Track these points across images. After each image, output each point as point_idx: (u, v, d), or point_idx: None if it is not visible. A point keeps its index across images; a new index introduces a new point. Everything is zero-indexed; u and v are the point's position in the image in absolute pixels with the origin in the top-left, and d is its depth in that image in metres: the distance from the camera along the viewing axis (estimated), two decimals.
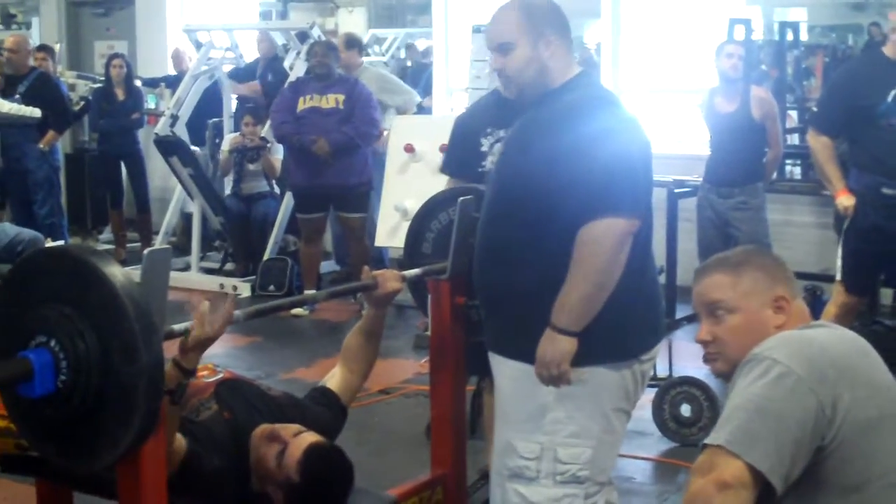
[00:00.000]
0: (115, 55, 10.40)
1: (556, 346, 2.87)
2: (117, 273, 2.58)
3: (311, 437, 3.18)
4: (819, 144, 5.52)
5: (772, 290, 2.49)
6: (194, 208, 9.29)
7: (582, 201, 2.81)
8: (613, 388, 2.94)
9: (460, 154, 4.65)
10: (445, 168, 4.90)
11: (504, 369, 3.02)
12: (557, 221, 2.85)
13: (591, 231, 2.81)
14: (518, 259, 2.95)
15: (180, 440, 3.09)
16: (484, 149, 4.56)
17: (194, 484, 3.12)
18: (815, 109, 7.58)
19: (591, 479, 2.95)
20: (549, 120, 2.93)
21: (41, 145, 9.03)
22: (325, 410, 3.49)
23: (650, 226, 3.03)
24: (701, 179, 6.98)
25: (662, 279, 7.66)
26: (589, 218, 2.81)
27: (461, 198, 3.57)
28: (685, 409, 5.35)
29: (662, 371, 5.63)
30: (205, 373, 3.43)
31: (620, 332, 2.91)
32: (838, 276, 5.59)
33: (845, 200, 5.44)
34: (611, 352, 2.92)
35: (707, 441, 2.29)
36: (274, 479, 3.14)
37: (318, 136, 7.72)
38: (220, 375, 3.52)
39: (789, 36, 8.78)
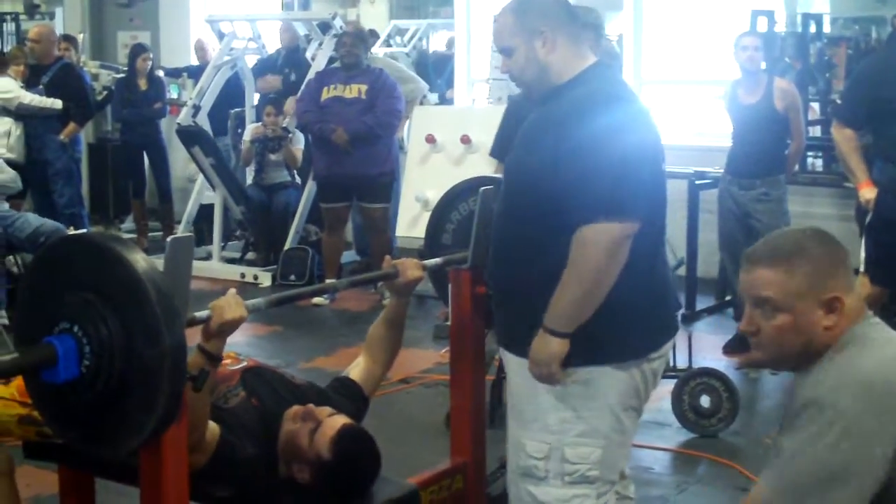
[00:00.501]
0: (143, 48, 10.44)
1: (547, 346, 2.87)
2: (139, 258, 2.61)
3: (344, 419, 3.23)
4: (842, 136, 5.51)
5: (825, 289, 2.32)
6: (216, 198, 9.32)
7: (582, 202, 2.78)
8: (622, 387, 2.90)
9: (507, 139, 4.68)
10: (493, 152, 4.95)
11: (513, 366, 3.01)
12: (563, 220, 2.82)
13: (585, 234, 2.77)
14: (526, 257, 2.94)
15: (214, 429, 3.12)
16: None
17: (228, 471, 3.16)
18: (838, 102, 7.57)
19: (602, 479, 2.93)
20: (553, 118, 2.89)
21: (62, 137, 9.07)
22: (346, 401, 3.51)
23: (662, 223, 2.98)
24: (722, 171, 6.96)
25: (682, 271, 7.68)
26: (586, 220, 2.77)
27: (482, 188, 3.58)
28: (704, 401, 5.35)
29: (682, 362, 5.64)
30: (228, 361, 3.46)
31: (627, 332, 2.88)
32: (862, 268, 5.57)
33: (868, 193, 5.43)
34: (617, 352, 2.89)
35: (765, 490, 2.25)
36: (304, 457, 3.17)
37: (337, 126, 7.74)
38: (244, 364, 3.55)
39: (812, 28, 8.74)
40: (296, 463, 3.20)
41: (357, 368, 3.66)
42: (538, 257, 2.90)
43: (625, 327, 2.87)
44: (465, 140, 7.67)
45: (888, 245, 5.45)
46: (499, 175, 4.80)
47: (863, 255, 5.58)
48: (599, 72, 2.99)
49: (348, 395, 3.54)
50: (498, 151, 4.86)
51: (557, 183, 2.82)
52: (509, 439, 3.04)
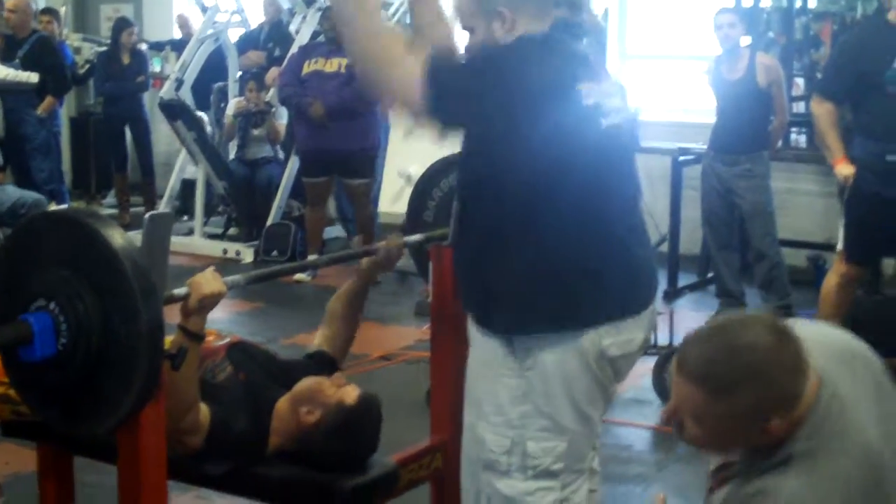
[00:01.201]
0: (127, 22, 10.36)
1: None
2: (115, 234, 2.59)
3: None
4: (822, 110, 5.48)
5: (766, 419, 2.04)
6: (198, 173, 9.28)
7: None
8: (582, 382, 2.78)
9: None
10: None
11: (476, 345, 2.91)
12: (499, 183, 2.74)
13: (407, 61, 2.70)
14: (476, 224, 2.86)
15: (204, 409, 3.12)
16: None
17: (223, 447, 3.17)
18: (819, 76, 7.55)
19: (568, 470, 2.84)
20: None
21: (39, 111, 9.00)
22: (325, 373, 3.51)
23: (609, 188, 2.78)
24: (706, 147, 6.96)
25: (665, 247, 7.69)
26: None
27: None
28: None
29: (663, 339, 5.63)
30: (212, 338, 3.47)
31: (569, 302, 2.75)
32: (839, 246, 5.57)
33: (844, 169, 5.41)
34: (552, 318, 2.75)
35: None
36: (322, 400, 3.20)
37: (314, 100, 7.71)
38: (228, 340, 3.56)
39: (797, 3, 8.73)
40: (308, 405, 3.21)
41: (327, 340, 3.71)
42: (481, 222, 2.82)
43: (557, 294, 2.75)
44: None
45: (866, 222, 5.44)
46: None
47: (841, 232, 5.58)
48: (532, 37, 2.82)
49: (328, 366, 3.55)
50: None
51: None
52: (466, 428, 2.93)
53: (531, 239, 2.71)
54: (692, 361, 2.07)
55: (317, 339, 3.73)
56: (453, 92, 2.68)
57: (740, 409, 2.03)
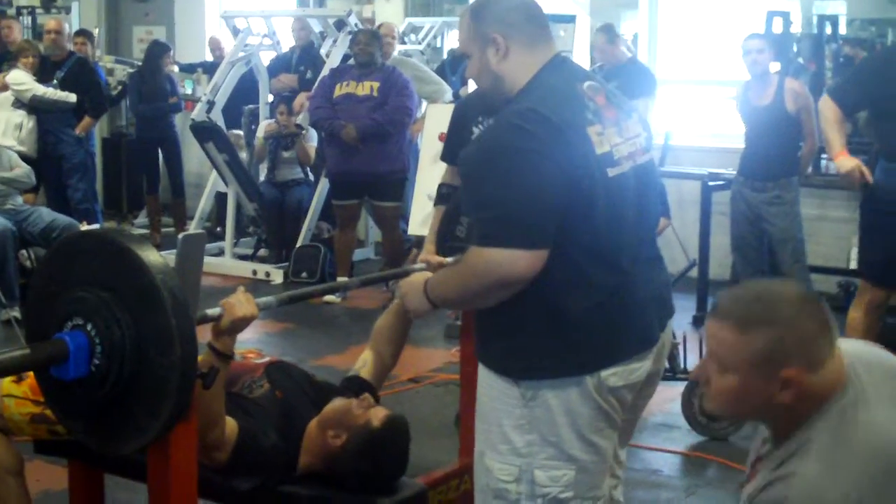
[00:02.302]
0: (166, 47, 10.45)
1: (416, 293, 2.93)
2: (156, 261, 2.60)
3: None
4: (828, 107, 5.36)
5: (781, 365, 2.12)
6: (229, 194, 9.33)
7: (478, 223, 2.73)
8: (585, 412, 2.78)
9: (456, 142, 4.74)
10: (444, 156, 4.99)
11: (483, 380, 2.92)
12: None
13: (469, 255, 2.72)
14: None
15: (231, 424, 3.14)
16: (474, 136, 4.64)
17: (252, 461, 3.19)
18: (830, 80, 7.50)
19: (578, 498, 2.83)
20: (481, 136, 2.88)
21: (77, 131, 9.09)
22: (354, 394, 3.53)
23: (614, 239, 2.76)
24: (735, 173, 6.95)
25: (694, 272, 7.68)
26: (477, 241, 2.70)
27: None
28: None
29: (692, 364, 5.62)
30: (252, 355, 3.51)
31: (566, 347, 2.76)
32: (858, 269, 5.50)
33: (845, 162, 5.32)
34: (555, 367, 2.76)
35: None
36: (349, 423, 3.22)
37: (346, 122, 7.75)
38: (267, 359, 3.62)
39: (828, 29, 8.72)
40: (335, 429, 3.23)
41: (365, 368, 3.68)
42: None
43: (562, 343, 2.76)
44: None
45: (886, 243, 5.38)
46: (453, 180, 4.85)
47: (857, 257, 5.52)
48: (540, 80, 2.81)
49: (356, 392, 3.54)
50: (448, 155, 4.93)
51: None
52: (476, 457, 2.94)
53: (540, 285, 2.69)
54: (723, 303, 2.23)
55: (358, 363, 3.72)
56: (525, 225, 2.66)
57: (759, 346, 2.12)
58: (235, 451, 3.15)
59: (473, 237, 2.74)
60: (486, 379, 2.89)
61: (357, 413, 3.25)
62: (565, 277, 2.71)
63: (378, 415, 3.26)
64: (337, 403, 3.33)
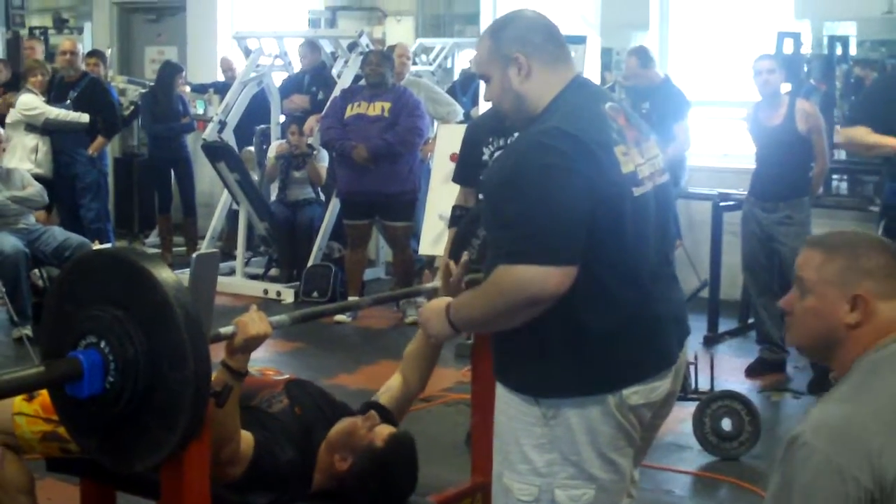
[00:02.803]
0: (178, 68, 10.52)
1: (439, 319, 2.90)
2: (170, 280, 2.62)
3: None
4: (849, 130, 5.40)
5: (854, 285, 2.32)
6: (240, 214, 9.36)
7: (503, 242, 2.70)
8: (606, 430, 2.78)
9: (466, 163, 4.76)
10: (456, 177, 5.01)
11: (501, 399, 2.91)
12: None
13: (496, 274, 2.69)
14: None
15: (248, 438, 3.15)
16: (485, 157, 4.67)
17: (268, 476, 3.20)
18: (845, 113, 7.50)
19: None
20: (504, 155, 2.87)
21: (90, 151, 9.12)
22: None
23: (637, 257, 2.78)
24: (746, 193, 6.95)
25: (705, 293, 7.67)
26: (503, 260, 2.67)
27: None
28: (726, 424, 5.33)
29: (704, 384, 5.62)
30: (272, 372, 3.52)
31: (587, 365, 2.76)
32: None
33: None
34: (577, 385, 2.77)
35: None
36: (354, 445, 3.23)
37: (357, 143, 7.77)
38: (287, 376, 3.63)
39: (838, 50, 8.74)
40: (341, 452, 3.24)
41: (388, 393, 3.67)
42: None
43: (585, 361, 2.76)
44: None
45: None
46: (466, 202, 4.86)
47: None
48: (564, 100, 2.81)
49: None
50: (460, 176, 4.96)
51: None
52: (494, 477, 2.93)
53: (563, 303, 2.68)
54: (814, 237, 2.48)
55: (382, 388, 3.70)
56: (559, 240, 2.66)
57: (839, 265, 2.34)
58: (252, 465, 3.16)
59: (498, 256, 2.71)
60: (505, 398, 2.89)
61: (361, 434, 3.25)
62: (589, 295, 2.70)
63: (382, 434, 3.26)
64: (342, 425, 3.33)
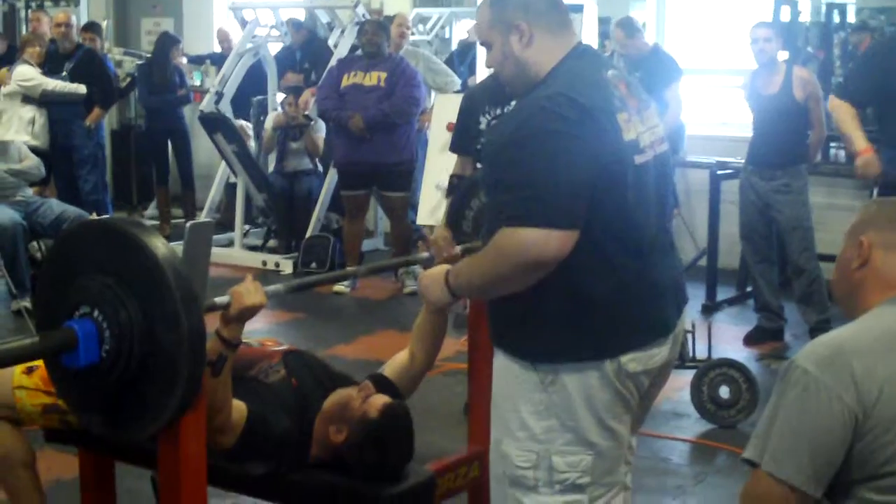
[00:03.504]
0: (176, 39, 10.50)
1: (437, 284, 2.94)
2: (157, 243, 2.63)
3: (395, 399, 3.34)
4: (840, 105, 5.39)
5: (858, 232, 2.47)
6: (238, 185, 9.36)
7: (507, 204, 2.68)
8: (604, 396, 2.79)
9: (463, 132, 4.75)
10: (453, 146, 5.00)
11: (500, 364, 2.92)
12: None
13: (499, 236, 2.68)
14: None
15: (241, 408, 3.16)
16: (482, 126, 4.67)
17: (262, 446, 3.20)
18: (840, 80, 7.48)
19: (595, 483, 2.83)
20: (504, 120, 2.86)
21: (87, 122, 9.11)
22: None
23: (637, 224, 2.78)
24: (744, 161, 6.95)
25: (704, 261, 7.68)
26: (506, 222, 2.66)
27: None
28: (724, 391, 5.35)
29: (701, 353, 5.63)
30: (270, 343, 3.51)
31: (586, 331, 2.76)
32: None
33: (872, 160, 5.31)
34: (575, 350, 2.77)
35: (745, 455, 2.34)
36: (349, 416, 3.21)
37: (354, 113, 7.76)
38: (285, 346, 3.62)
39: (836, 17, 8.71)
40: (336, 424, 3.24)
41: (393, 365, 3.65)
42: None
43: (583, 326, 2.76)
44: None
45: None
46: (463, 170, 4.86)
47: None
48: (567, 67, 2.81)
49: (381, 392, 3.48)
50: (457, 145, 4.97)
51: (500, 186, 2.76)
52: (492, 444, 2.94)
53: (563, 268, 2.68)
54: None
55: (389, 368, 3.66)
56: (554, 204, 2.64)
57: (858, 219, 2.51)
58: (244, 435, 3.16)
59: (499, 220, 2.70)
60: (503, 365, 2.90)
61: (355, 406, 3.24)
62: (588, 260, 2.70)
63: (376, 405, 3.24)
64: (336, 396, 3.32)
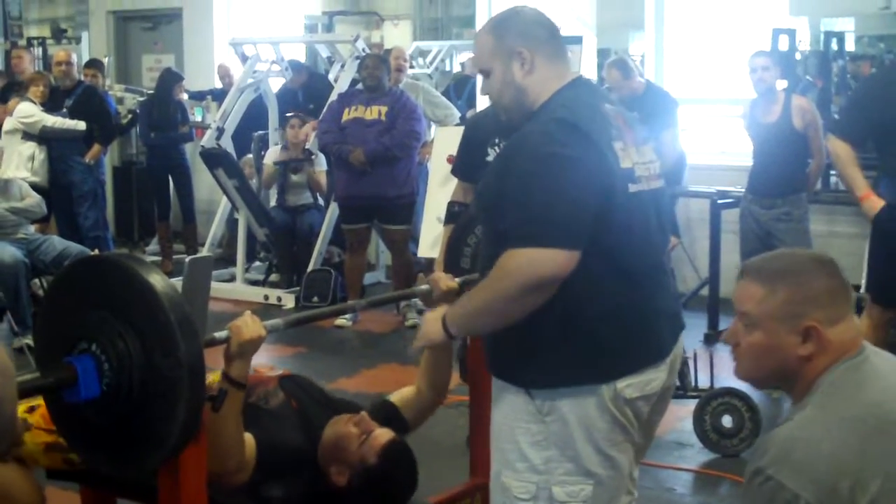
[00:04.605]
0: (178, 76, 10.55)
1: (434, 328, 2.93)
2: (155, 277, 2.65)
3: (393, 433, 3.29)
4: (840, 147, 5.37)
5: (803, 316, 2.25)
6: (240, 220, 9.37)
7: (511, 227, 2.71)
8: (602, 424, 2.79)
9: (468, 160, 4.75)
10: (455, 171, 4.99)
11: (498, 394, 2.93)
12: None
13: (504, 259, 2.70)
14: None
15: (249, 442, 3.15)
16: (489, 158, 4.65)
17: (277, 470, 3.20)
18: (836, 117, 7.49)
19: None
20: (511, 145, 2.88)
21: (86, 159, 9.12)
22: (380, 422, 3.48)
23: (635, 248, 2.81)
24: (744, 190, 6.95)
25: (705, 291, 7.67)
26: (511, 244, 2.69)
27: None
28: (727, 420, 5.33)
29: (704, 382, 5.63)
30: (265, 370, 3.51)
31: (590, 355, 2.78)
32: (863, 287, 5.49)
33: (874, 203, 5.33)
34: (573, 375, 2.78)
35: None
36: (348, 460, 3.20)
37: (355, 147, 7.78)
38: (280, 371, 3.61)
39: (834, 46, 8.74)
40: (336, 465, 3.23)
41: (401, 395, 3.65)
42: None
43: (577, 351, 2.77)
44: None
45: (892, 264, 5.35)
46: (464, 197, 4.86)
47: (865, 274, 5.49)
48: (566, 95, 2.85)
49: (383, 418, 3.48)
50: (460, 171, 4.96)
51: (505, 214, 2.77)
52: (492, 476, 2.95)
53: (561, 290, 2.71)
54: (749, 265, 2.39)
55: (395, 395, 3.66)
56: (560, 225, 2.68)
57: (782, 297, 2.26)
58: (258, 466, 3.15)
59: (500, 244, 2.73)
60: (501, 396, 2.91)
61: (353, 448, 3.21)
62: (582, 284, 2.72)
63: (374, 447, 3.20)
64: (334, 430, 3.28)
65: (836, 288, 2.29)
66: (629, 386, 2.79)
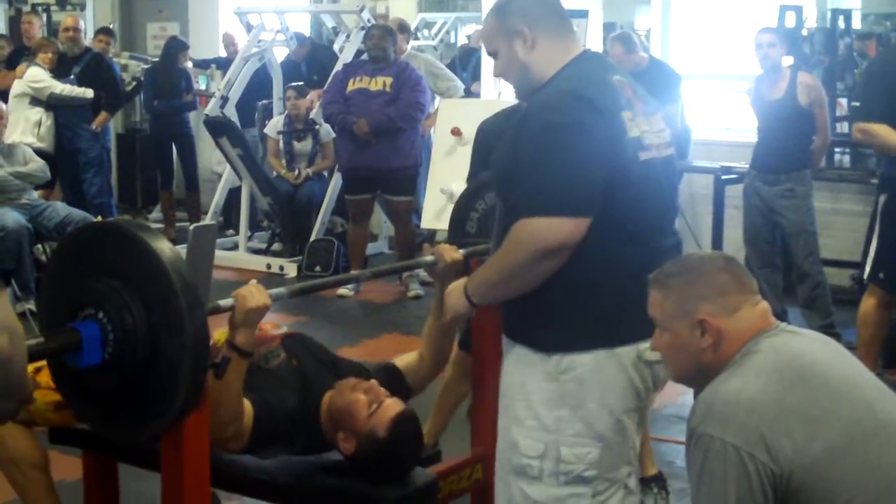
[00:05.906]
0: (184, 44, 10.54)
1: (459, 301, 2.99)
2: (165, 248, 2.64)
3: (403, 404, 3.29)
4: (876, 127, 5.24)
5: (694, 311, 2.44)
6: (243, 189, 9.37)
7: (522, 197, 2.76)
8: (617, 385, 2.84)
9: (482, 167, 4.72)
10: (469, 179, 4.94)
11: (511, 356, 2.96)
12: None
13: (517, 228, 2.75)
14: None
15: (248, 411, 3.16)
16: None
17: (273, 432, 3.21)
18: (855, 104, 7.42)
19: (600, 478, 2.87)
20: (518, 121, 2.91)
21: (93, 126, 9.13)
22: (384, 385, 3.49)
23: (645, 217, 2.85)
24: (748, 166, 6.95)
25: None
26: (522, 214, 2.74)
27: None
28: None
29: None
30: (268, 326, 3.52)
31: (606, 318, 2.82)
32: (868, 270, 5.43)
33: None
34: (589, 338, 2.83)
35: None
36: (356, 428, 3.20)
37: (359, 117, 7.77)
38: (284, 329, 3.60)
39: (841, 23, 8.70)
40: (343, 432, 3.23)
41: (405, 360, 3.67)
42: None
43: (594, 314, 2.82)
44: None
45: None
46: None
47: (872, 256, 5.41)
48: (574, 69, 2.90)
49: (387, 380, 3.48)
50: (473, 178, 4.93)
51: (516, 182, 2.82)
52: (500, 435, 2.97)
53: (576, 256, 2.75)
54: (656, 272, 2.56)
55: (399, 359, 3.69)
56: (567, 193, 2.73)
57: (674, 297, 2.47)
58: (255, 431, 3.16)
59: (511, 215, 2.78)
60: (516, 354, 2.94)
61: (363, 417, 3.21)
62: (596, 250, 2.77)
63: (384, 421, 3.19)
64: (343, 399, 3.27)
65: (727, 281, 2.46)
66: (649, 348, 2.82)
